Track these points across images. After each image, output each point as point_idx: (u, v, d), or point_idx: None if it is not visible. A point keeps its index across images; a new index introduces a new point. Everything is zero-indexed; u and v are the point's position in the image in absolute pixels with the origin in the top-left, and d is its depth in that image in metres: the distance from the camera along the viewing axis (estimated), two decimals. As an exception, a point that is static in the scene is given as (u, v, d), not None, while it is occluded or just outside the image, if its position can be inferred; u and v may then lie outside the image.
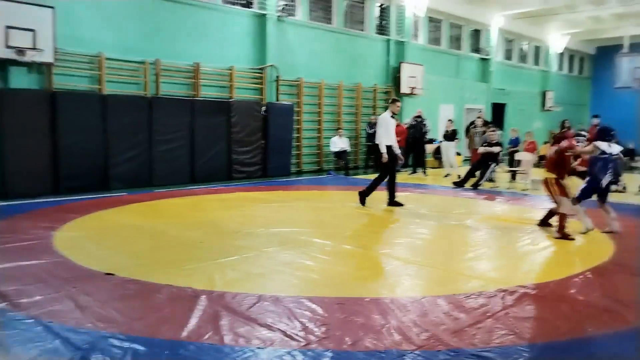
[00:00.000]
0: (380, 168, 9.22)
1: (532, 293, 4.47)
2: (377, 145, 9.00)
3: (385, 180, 9.03)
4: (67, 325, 3.65)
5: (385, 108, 17.54)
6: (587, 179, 7.10)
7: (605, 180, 6.80)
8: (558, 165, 6.98)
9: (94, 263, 5.24)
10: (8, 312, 3.89)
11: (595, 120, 15.16)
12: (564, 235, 6.63)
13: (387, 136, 8.86)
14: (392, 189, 8.97)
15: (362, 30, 17.07)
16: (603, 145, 6.83)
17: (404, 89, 17.65)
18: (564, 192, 6.84)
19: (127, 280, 4.73)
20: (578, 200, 6.95)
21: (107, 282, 4.67)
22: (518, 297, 4.37)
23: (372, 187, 9.05)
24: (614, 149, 6.91)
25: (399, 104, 9.24)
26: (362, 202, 9.00)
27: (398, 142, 14.81)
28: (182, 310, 3.97)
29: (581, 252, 6.09)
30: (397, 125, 15.52)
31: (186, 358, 3.20)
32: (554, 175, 6.95)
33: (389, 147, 8.88)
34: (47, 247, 5.88)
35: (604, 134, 7.01)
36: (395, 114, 9.11)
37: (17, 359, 3.14)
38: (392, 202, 8.95)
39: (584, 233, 6.87)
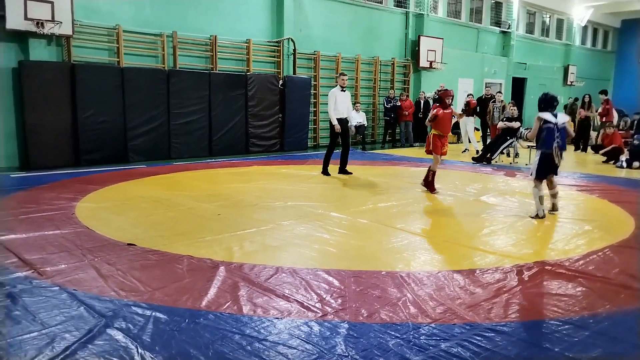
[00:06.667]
0: (331, 138, 9.81)
1: (549, 269, 4.46)
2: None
3: (335, 150, 9.82)
4: (91, 293, 3.76)
5: (404, 82, 17.51)
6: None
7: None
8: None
9: (115, 233, 5.35)
10: (34, 280, 4.01)
11: (604, 96, 14.88)
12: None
13: (335, 109, 9.39)
14: (344, 158, 9.83)
15: (380, 2, 16.76)
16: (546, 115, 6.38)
17: (423, 62, 17.42)
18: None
19: (148, 250, 4.83)
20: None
21: (128, 252, 4.77)
22: (535, 273, 4.37)
23: (326, 159, 9.80)
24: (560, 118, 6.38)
25: (345, 77, 9.57)
26: (325, 172, 9.74)
27: (406, 116, 15.07)
28: (201, 281, 4.05)
29: (601, 229, 6.03)
30: (405, 100, 15.47)
31: (205, 327, 3.27)
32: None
33: (340, 120, 9.42)
34: (70, 218, 6.02)
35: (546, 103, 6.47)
36: (344, 87, 9.49)
37: (44, 325, 3.24)
38: (343, 170, 9.82)
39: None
